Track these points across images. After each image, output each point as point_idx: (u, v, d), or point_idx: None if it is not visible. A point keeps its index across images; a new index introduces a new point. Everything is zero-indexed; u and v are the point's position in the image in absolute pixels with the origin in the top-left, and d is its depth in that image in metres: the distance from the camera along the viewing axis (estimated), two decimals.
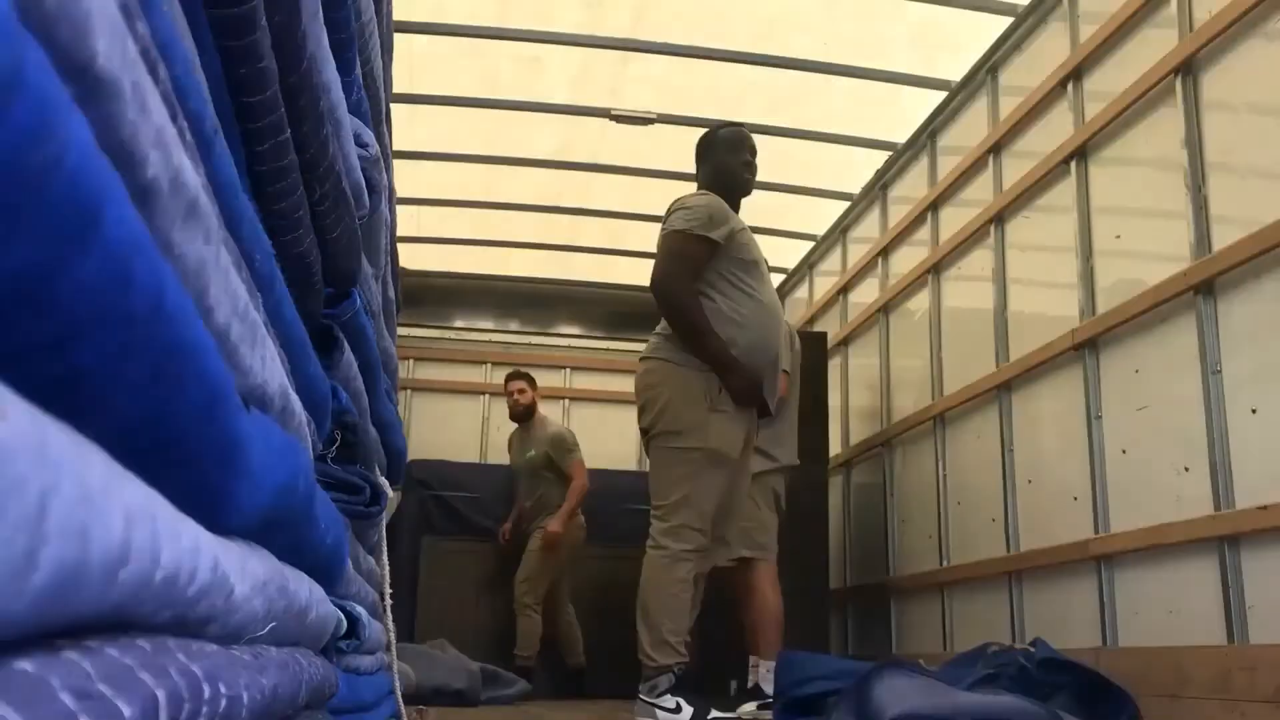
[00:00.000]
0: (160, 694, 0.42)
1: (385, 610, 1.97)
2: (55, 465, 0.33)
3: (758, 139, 5.65)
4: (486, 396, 7.32)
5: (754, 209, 6.39)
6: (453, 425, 7.23)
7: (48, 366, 0.39)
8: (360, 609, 1.48)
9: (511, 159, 5.96)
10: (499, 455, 6.78)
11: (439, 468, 6.44)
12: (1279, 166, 2.86)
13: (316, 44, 0.97)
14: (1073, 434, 3.73)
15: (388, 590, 1.98)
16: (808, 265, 6.91)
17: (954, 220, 4.85)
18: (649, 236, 6.98)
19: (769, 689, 3.74)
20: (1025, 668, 2.76)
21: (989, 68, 4.61)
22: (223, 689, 0.51)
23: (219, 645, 0.58)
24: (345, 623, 1.35)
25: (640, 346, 7.45)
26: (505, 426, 6.81)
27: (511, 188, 6.31)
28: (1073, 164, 3.85)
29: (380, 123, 1.77)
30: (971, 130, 4.77)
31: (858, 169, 5.82)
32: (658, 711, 3.41)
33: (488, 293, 7.50)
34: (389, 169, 2.02)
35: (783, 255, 7.04)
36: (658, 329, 3.76)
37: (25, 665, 0.34)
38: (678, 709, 3.41)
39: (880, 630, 5.29)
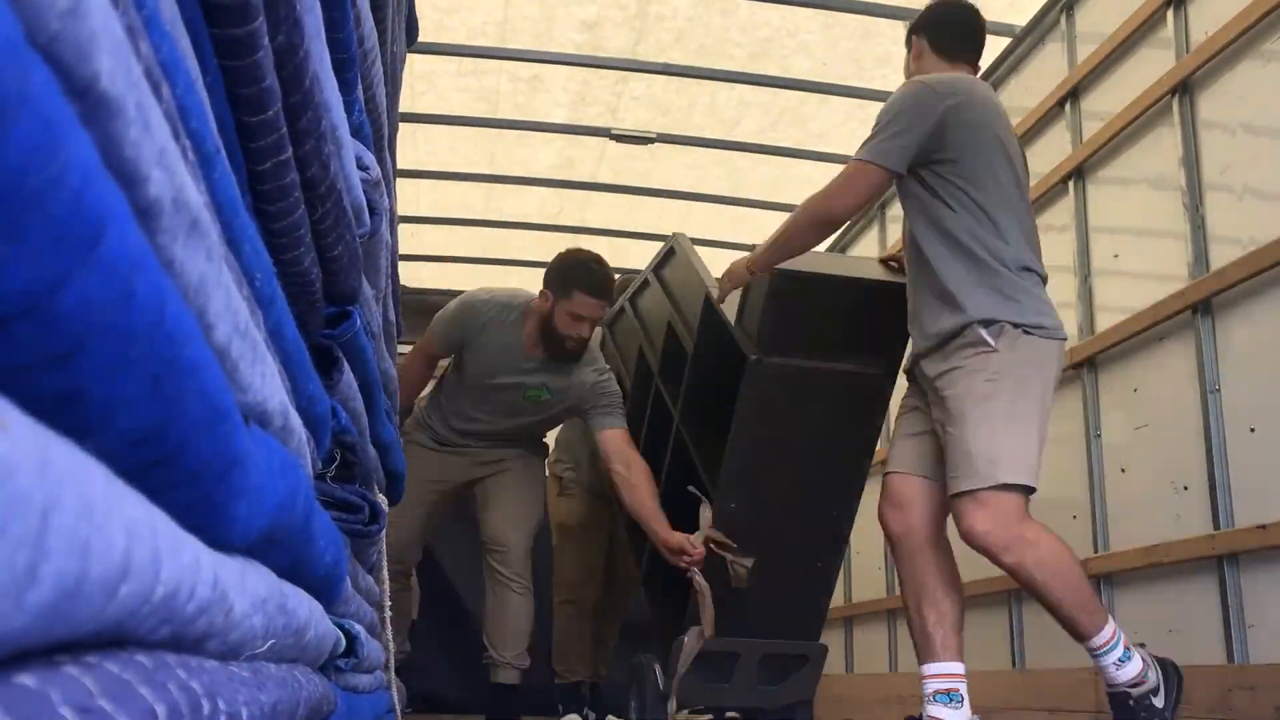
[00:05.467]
0: (160, 709, 0.42)
1: (384, 628, 1.97)
2: (57, 481, 0.33)
3: (758, 158, 5.70)
4: None
5: (752, 229, 6.45)
6: None
7: (49, 383, 0.39)
8: (359, 627, 1.48)
9: (511, 178, 5.98)
10: None
11: None
12: (1276, 186, 2.87)
13: (319, 63, 0.97)
14: (1071, 452, 3.72)
15: (387, 608, 1.98)
16: None
17: None
18: (648, 255, 7.01)
19: None
20: None
21: None
22: (222, 705, 0.52)
23: (218, 662, 0.58)
24: (344, 641, 1.35)
25: None
26: None
27: (511, 206, 6.32)
28: (1071, 183, 3.86)
29: (383, 147, 1.78)
30: None
31: None
32: None
33: None
34: (391, 193, 2.02)
35: None
36: None
37: (26, 680, 0.34)
38: None
39: (880, 648, 5.28)
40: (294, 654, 0.93)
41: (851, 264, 4.19)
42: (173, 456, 0.50)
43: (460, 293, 7.25)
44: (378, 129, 1.67)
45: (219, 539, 0.60)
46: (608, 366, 3.96)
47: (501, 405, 3.91)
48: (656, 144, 5.49)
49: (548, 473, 4.40)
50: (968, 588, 4.44)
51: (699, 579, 3.37)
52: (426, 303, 7.20)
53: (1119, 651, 2.52)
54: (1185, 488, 3.10)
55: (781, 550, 3.48)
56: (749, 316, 3.27)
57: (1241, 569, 2.86)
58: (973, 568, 4.43)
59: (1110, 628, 2.54)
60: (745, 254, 3.19)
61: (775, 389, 3.25)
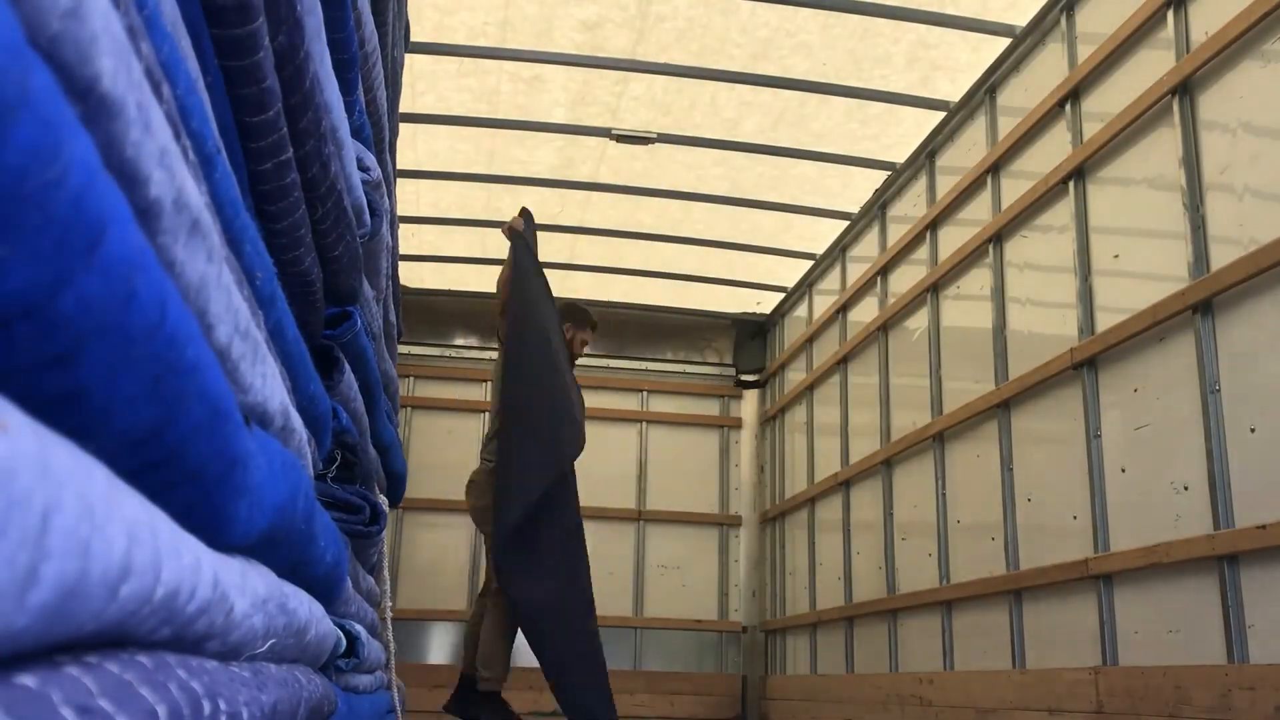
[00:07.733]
0: (161, 709, 0.42)
1: (385, 628, 1.97)
2: (58, 482, 0.33)
3: (758, 158, 5.71)
4: (486, 414, 7.32)
5: (754, 228, 6.46)
6: (452, 442, 7.23)
7: (51, 383, 0.39)
8: (359, 627, 1.48)
9: (512, 178, 5.98)
10: None
11: None
12: (1276, 186, 2.87)
13: (319, 64, 0.97)
14: (1072, 453, 3.72)
15: (388, 608, 1.98)
16: (807, 284, 6.92)
17: (953, 239, 4.86)
18: (648, 255, 7.05)
19: None
20: None
21: (988, 88, 4.62)
22: (222, 705, 0.51)
23: (219, 662, 0.58)
24: (345, 641, 1.35)
25: (639, 365, 7.57)
26: None
27: (511, 207, 6.31)
28: (1071, 184, 3.86)
29: (384, 149, 1.78)
30: (970, 150, 4.79)
31: (857, 188, 5.84)
32: None
33: (487, 311, 7.50)
34: (391, 194, 2.03)
35: (782, 274, 7.05)
36: None
37: (27, 680, 0.34)
38: None
39: (881, 648, 5.27)
40: (295, 654, 0.93)
41: None
42: (173, 457, 0.50)
43: (461, 293, 7.31)
44: (379, 130, 1.67)
45: (220, 539, 0.60)
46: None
47: None
48: (657, 144, 5.48)
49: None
50: (967, 587, 4.47)
51: None
52: (427, 303, 7.24)
53: None
54: (1185, 488, 3.10)
55: None
56: None
57: (1242, 569, 2.86)
58: (973, 567, 4.44)
59: None
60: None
61: None
